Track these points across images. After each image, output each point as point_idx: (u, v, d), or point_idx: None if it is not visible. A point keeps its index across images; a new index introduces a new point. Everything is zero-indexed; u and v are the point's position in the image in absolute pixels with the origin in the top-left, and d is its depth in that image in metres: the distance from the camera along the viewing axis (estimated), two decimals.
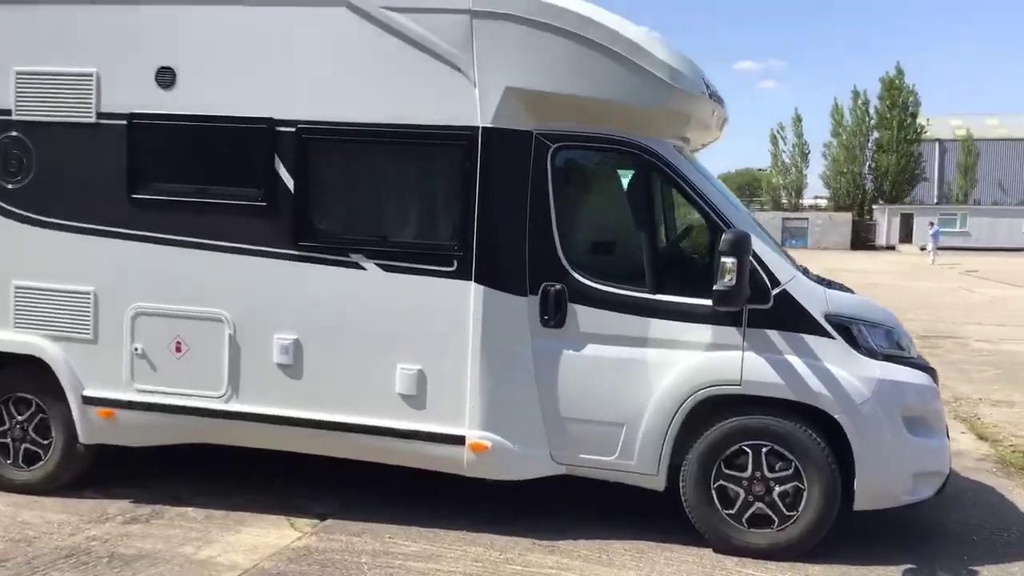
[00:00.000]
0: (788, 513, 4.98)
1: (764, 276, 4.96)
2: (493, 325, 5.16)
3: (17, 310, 5.77)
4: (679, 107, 5.22)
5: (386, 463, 5.50)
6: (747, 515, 5.04)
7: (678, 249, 5.41)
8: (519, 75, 5.05)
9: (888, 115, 65.25)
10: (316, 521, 5.51)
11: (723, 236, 4.76)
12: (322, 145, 5.35)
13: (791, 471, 4.95)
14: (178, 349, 5.58)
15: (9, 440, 5.92)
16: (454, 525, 5.41)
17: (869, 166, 66.76)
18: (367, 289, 5.32)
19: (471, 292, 5.16)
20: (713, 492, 5.07)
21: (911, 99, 65.56)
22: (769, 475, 4.98)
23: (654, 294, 5.12)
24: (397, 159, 5.39)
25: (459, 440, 5.23)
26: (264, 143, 5.39)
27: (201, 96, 5.45)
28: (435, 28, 5.11)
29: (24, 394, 5.88)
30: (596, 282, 5.16)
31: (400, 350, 5.29)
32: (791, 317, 4.97)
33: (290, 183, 5.37)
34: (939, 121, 73.97)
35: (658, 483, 5.18)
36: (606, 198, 5.67)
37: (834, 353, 4.94)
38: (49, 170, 5.67)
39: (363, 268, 5.32)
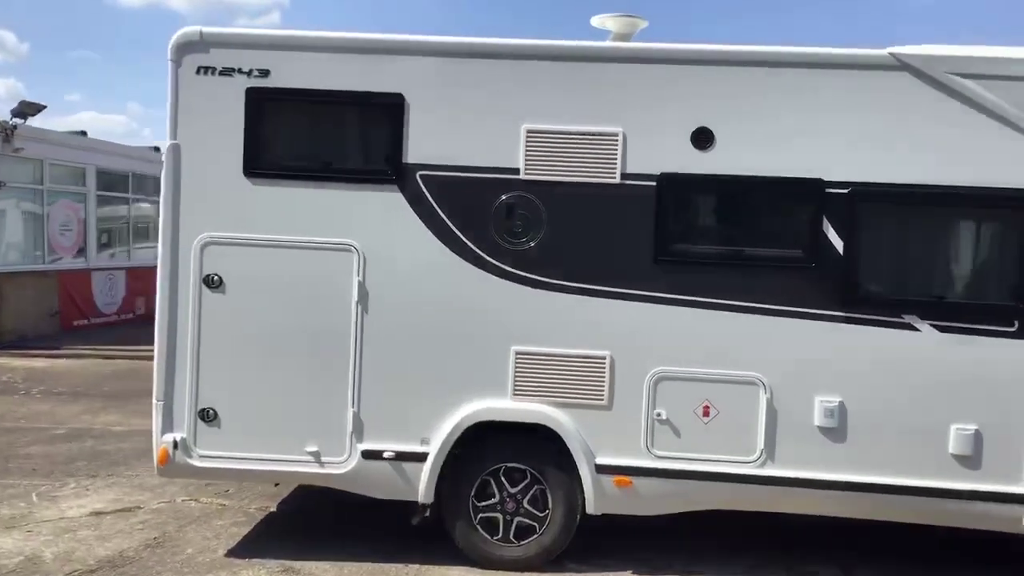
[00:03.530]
0: None
1: None
2: None
3: (517, 377, 5.50)
4: None
5: (932, 524, 5.48)
6: None
7: None
8: None
9: None
10: None
11: None
12: (876, 206, 5.34)
13: None
14: (706, 414, 5.43)
15: (499, 514, 5.61)
16: None
17: None
18: (920, 350, 5.32)
19: None
20: None
21: None
22: None
23: None
24: (956, 220, 5.43)
25: (1019, 499, 5.27)
26: (812, 204, 5.34)
27: (740, 157, 5.36)
28: (1004, 94, 5.20)
29: (518, 464, 5.60)
30: None
31: (955, 410, 5.31)
32: None
33: (839, 244, 5.33)
34: None
35: None
36: None
37: None
38: (561, 232, 5.45)
39: (916, 329, 5.32)
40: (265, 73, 5.54)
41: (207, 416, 5.61)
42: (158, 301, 5.65)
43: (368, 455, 5.54)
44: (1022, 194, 5.24)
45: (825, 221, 5.34)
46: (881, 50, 5.29)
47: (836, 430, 5.36)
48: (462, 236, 5.49)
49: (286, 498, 7.04)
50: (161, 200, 5.65)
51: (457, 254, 5.50)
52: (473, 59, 5.48)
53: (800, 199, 5.37)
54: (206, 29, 5.57)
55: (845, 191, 5.31)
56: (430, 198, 5.49)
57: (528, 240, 5.47)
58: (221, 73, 5.55)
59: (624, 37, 5.82)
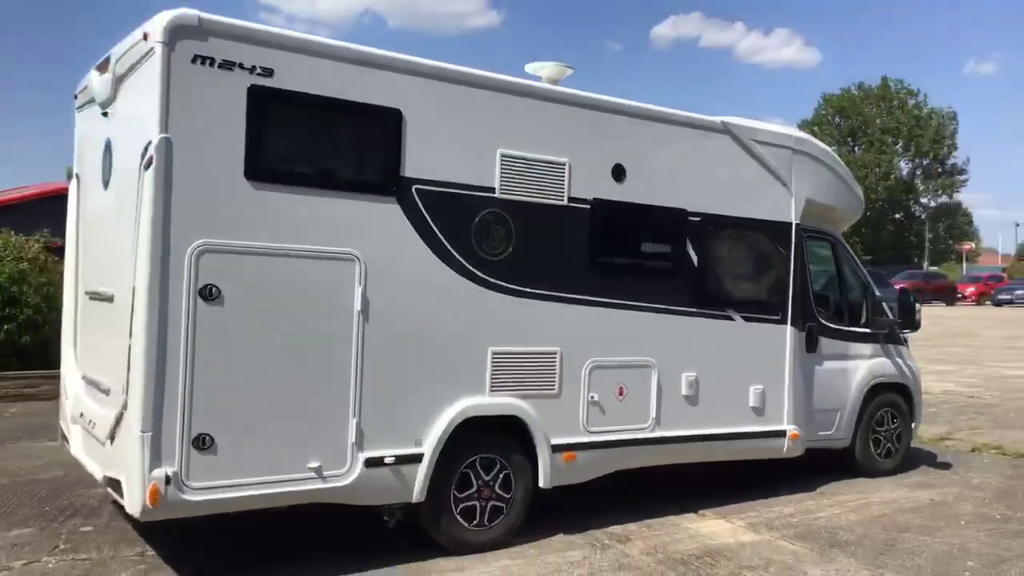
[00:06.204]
0: (897, 446, 8.84)
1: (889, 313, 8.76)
2: (796, 353, 7.85)
3: (494, 375, 6.15)
4: (858, 214, 8.67)
5: (726, 460, 7.61)
6: (880, 450, 8.72)
7: (849, 298, 8.73)
8: (811, 191, 7.91)
9: None
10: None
11: (902, 291, 8.44)
12: (714, 231, 7.29)
13: (898, 423, 8.84)
14: (620, 393, 6.78)
15: (476, 502, 6.14)
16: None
17: None
18: (735, 334, 7.45)
19: (788, 332, 7.77)
20: (870, 441, 8.63)
21: None
22: (891, 425, 8.77)
23: (848, 326, 8.46)
24: (751, 242, 7.64)
25: (782, 434, 7.75)
26: (681, 228, 7.08)
27: (639, 189, 6.84)
28: (775, 156, 7.63)
29: (488, 454, 6.20)
30: (827, 321, 8.26)
31: (752, 375, 7.57)
32: (896, 337, 8.87)
33: (694, 258, 7.17)
34: None
35: (846, 443, 8.49)
36: (822, 269, 8.66)
37: (907, 354, 8.99)
38: (524, 245, 6.26)
39: (733, 319, 7.44)
40: (269, 72, 5.25)
41: (202, 443, 5.05)
42: (143, 318, 4.90)
43: (370, 463, 5.60)
44: (782, 225, 7.73)
45: (687, 241, 7.12)
46: (715, 117, 7.30)
47: (693, 397, 7.18)
48: (451, 248, 5.93)
49: (152, 537, 6.19)
50: (147, 200, 4.92)
51: (447, 264, 5.92)
52: (464, 85, 5.97)
53: (675, 224, 7.06)
54: (204, 15, 5.04)
55: (698, 219, 7.17)
56: (424, 211, 5.82)
57: (501, 252, 6.16)
58: (221, 66, 5.09)
59: (553, 81, 6.80)
